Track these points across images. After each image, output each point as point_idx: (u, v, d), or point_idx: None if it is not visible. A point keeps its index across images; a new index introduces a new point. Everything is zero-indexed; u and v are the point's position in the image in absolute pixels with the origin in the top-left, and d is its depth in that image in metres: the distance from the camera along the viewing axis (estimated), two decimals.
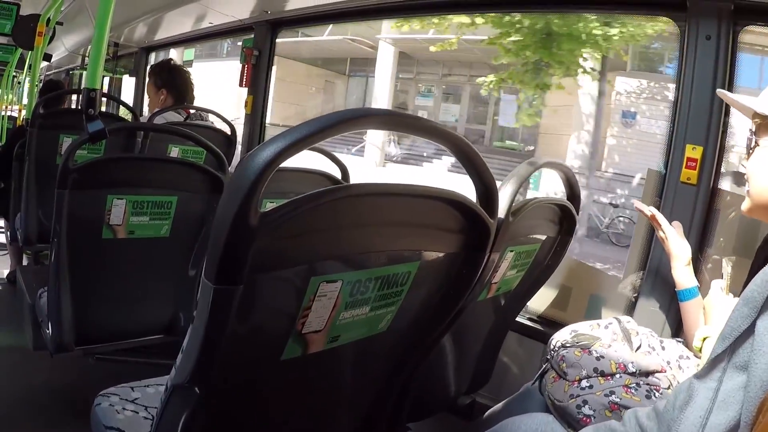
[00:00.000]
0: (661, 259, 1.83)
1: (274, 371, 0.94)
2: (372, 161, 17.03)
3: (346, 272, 0.87)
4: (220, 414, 0.92)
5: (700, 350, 1.28)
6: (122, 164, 1.90)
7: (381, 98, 17.43)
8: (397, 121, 0.88)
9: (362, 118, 0.79)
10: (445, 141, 0.93)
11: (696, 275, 1.64)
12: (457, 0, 2.70)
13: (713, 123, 1.78)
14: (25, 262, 3.70)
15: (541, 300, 2.12)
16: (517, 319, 1.97)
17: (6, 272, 4.03)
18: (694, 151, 1.78)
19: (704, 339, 1.27)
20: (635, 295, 1.91)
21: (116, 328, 2.02)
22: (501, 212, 1.19)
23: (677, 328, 1.77)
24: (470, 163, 0.97)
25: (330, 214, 0.80)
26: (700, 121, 1.79)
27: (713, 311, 1.33)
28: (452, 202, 0.97)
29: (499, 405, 1.69)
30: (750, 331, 0.71)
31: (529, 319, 2.12)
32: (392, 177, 14.67)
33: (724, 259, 1.43)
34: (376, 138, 16.93)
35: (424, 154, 17.15)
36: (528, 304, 1.96)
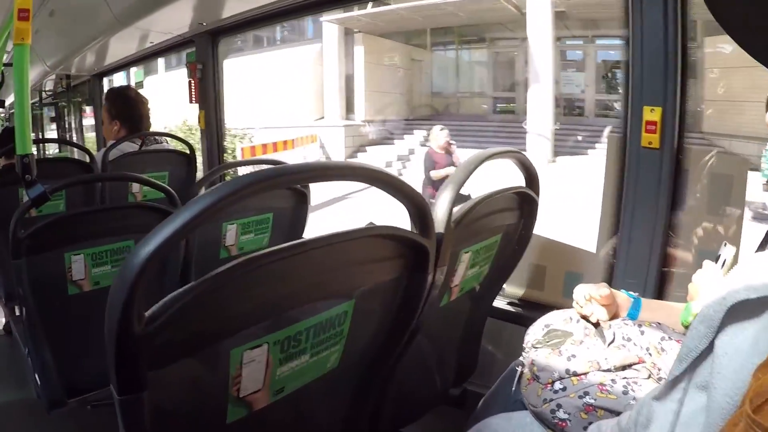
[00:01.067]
0: (632, 228, 1.80)
1: None
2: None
3: (271, 333, 0.85)
4: None
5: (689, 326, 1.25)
6: (72, 221, 1.88)
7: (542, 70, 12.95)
8: (301, 175, 0.86)
9: (253, 184, 0.76)
10: (365, 178, 0.91)
11: (669, 240, 1.62)
12: None
13: (669, 82, 1.71)
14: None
15: (518, 282, 2.10)
16: (497, 303, 1.96)
17: (2, 323, 4.03)
18: (652, 113, 1.72)
19: (695, 315, 1.24)
20: (611, 268, 1.89)
21: (104, 375, 2.01)
22: (440, 225, 1.17)
23: (659, 294, 1.76)
24: (394, 188, 0.96)
25: (236, 289, 0.78)
26: (655, 80, 1.73)
27: (704, 290, 1.30)
28: (383, 234, 0.96)
29: (488, 394, 1.69)
30: (709, 350, 0.70)
31: (509, 303, 2.11)
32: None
33: (725, 246, 1.37)
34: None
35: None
36: (505, 287, 1.95)
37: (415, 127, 15.36)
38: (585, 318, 1.40)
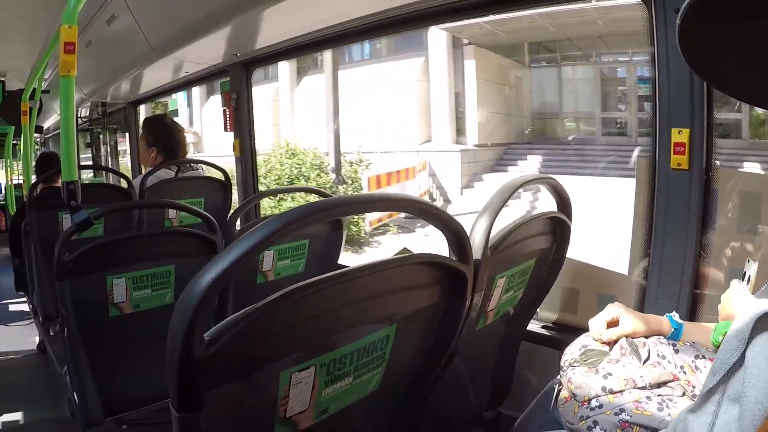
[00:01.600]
0: (663, 249, 1.80)
1: None
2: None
3: (318, 356, 0.88)
4: None
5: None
6: (115, 246, 1.94)
7: None
8: (348, 208, 0.89)
9: (304, 218, 0.80)
10: (408, 208, 0.94)
11: (701, 260, 1.62)
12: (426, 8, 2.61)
13: (696, 102, 1.70)
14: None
15: (551, 306, 2.10)
16: (530, 327, 1.96)
17: (37, 340, 4.11)
18: (680, 135, 1.72)
19: (725, 334, 1.24)
20: (643, 290, 1.88)
21: (141, 395, 2.05)
22: (477, 251, 1.19)
23: (690, 319, 1.75)
24: (433, 216, 0.98)
25: (289, 313, 0.81)
26: (682, 102, 1.72)
27: (733, 308, 1.31)
28: (422, 262, 0.98)
29: (524, 414, 1.69)
30: (740, 362, 0.71)
31: (543, 326, 2.10)
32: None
33: (749, 263, 1.38)
34: None
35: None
36: (539, 311, 1.95)
37: (524, 152, 13.79)
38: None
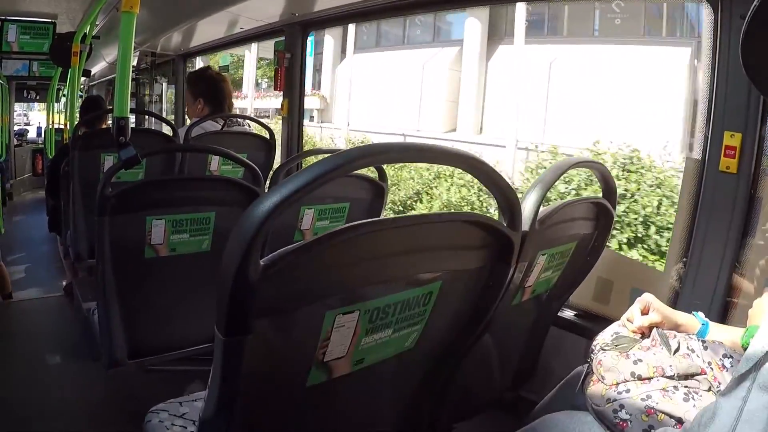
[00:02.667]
0: (702, 249, 1.78)
1: (301, 398, 0.95)
2: None
3: (363, 301, 0.88)
4: None
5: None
6: (158, 187, 1.95)
7: None
8: (414, 153, 0.88)
9: (376, 155, 0.79)
10: (463, 164, 0.93)
11: (739, 267, 1.60)
12: None
13: (752, 108, 1.70)
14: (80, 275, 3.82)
15: (583, 294, 2.09)
16: (560, 314, 1.95)
17: (64, 283, 4.18)
18: (732, 139, 1.71)
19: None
20: (678, 287, 1.87)
21: (166, 341, 2.07)
22: (526, 223, 1.18)
23: (722, 321, 1.73)
24: (490, 179, 0.97)
25: (341, 252, 0.81)
26: (737, 106, 1.72)
27: (764, 313, 1.30)
28: (473, 221, 0.97)
29: (546, 399, 1.69)
30: None
31: (575, 314, 2.09)
32: None
33: None
34: None
35: None
36: (570, 298, 1.94)
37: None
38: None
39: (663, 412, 1.23)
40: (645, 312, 1.43)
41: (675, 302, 1.85)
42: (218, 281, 0.73)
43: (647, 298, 1.44)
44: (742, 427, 0.74)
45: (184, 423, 1.50)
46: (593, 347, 1.44)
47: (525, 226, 1.17)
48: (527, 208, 1.21)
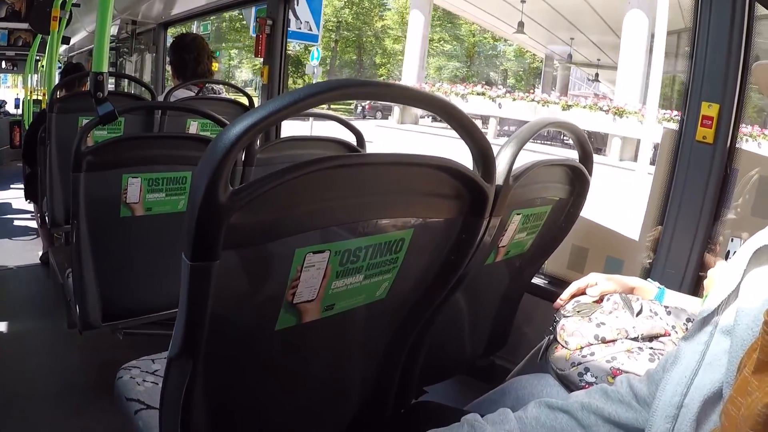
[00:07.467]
0: (677, 220, 1.80)
1: (269, 341, 0.95)
2: None
3: (334, 242, 0.87)
4: (219, 385, 0.94)
5: None
6: (134, 144, 1.92)
7: None
8: (380, 91, 0.87)
9: (339, 89, 0.78)
10: (434, 108, 0.92)
11: (712, 237, 1.62)
12: None
13: (730, 79, 1.73)
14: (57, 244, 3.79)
15: (558, 262, 2.10)
16: (534, 280, 1.96)
17: (40, 254, 4.15)
18: (710, 109, 1.74)
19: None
20: (652, 256, 1.89)
21: (141, 303, 2.07)
22: (500, 177, 1.18)
23: (695, 291, 1.75)
24: (463, 127, 0.96)
25: (313, 186, 0.81)
26: (716, 77, 1.74)
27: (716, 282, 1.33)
28: (446, 168, 0.97)
29: (519, 366, 1.70)
30: (734, 296, 0.76)
31: (549, 281, 2.11)
32: None
33: (732, 241, 1.40)
34: None
35: None
36: (546, 266, 1.95)
37: None
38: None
39: (629, 372, 1.25)
40: (580, 293, 1.48)
41: (649, 272, 1.87)
42: (188, 205, 0.72)
43: (594, 277, 1.48)
44: (705, 369, 0.76)
45: (155, 379, 1.49)
46: (555, 315, 1.46)
47: (499, 180, 1.17)
48: (501, 162, 1.21)
